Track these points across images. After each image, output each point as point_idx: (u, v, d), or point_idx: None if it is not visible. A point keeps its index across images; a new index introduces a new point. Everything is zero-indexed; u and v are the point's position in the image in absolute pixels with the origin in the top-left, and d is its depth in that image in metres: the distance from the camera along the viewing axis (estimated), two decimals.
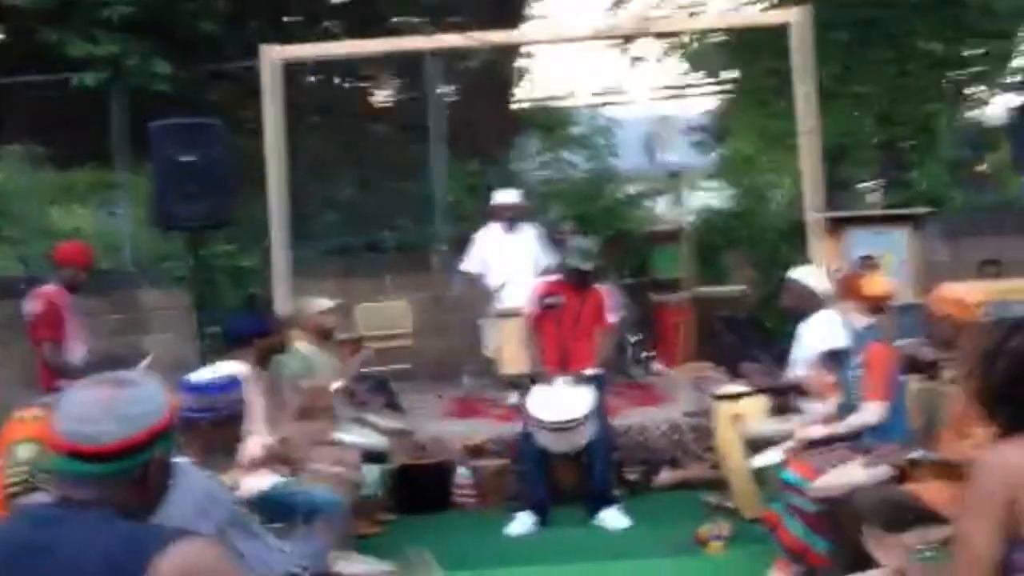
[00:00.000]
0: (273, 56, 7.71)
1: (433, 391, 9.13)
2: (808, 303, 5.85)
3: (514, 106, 13.90)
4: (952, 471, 3.88)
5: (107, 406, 1.91)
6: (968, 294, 3.99)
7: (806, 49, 7.49)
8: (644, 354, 9.48)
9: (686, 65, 15.96)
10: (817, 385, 5.44)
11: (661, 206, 10.40)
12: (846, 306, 4.89)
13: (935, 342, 4.22)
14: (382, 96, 14.37)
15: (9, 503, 4.01)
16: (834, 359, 5.25)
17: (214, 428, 3.56)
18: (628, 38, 12.23)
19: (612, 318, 6.66)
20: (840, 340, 5.69)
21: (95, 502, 1.90)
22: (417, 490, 6.76)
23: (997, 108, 12.38)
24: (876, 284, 4.80)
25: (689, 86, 15.15)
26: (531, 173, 11.83)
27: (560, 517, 6.40)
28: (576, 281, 6.54)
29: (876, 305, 4.81)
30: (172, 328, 9.97)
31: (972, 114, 12.92)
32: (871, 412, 4.64)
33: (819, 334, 5.74)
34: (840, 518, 4.13)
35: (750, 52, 10.97)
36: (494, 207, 8.72)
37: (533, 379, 6.42)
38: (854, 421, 4.71)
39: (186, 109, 8.80)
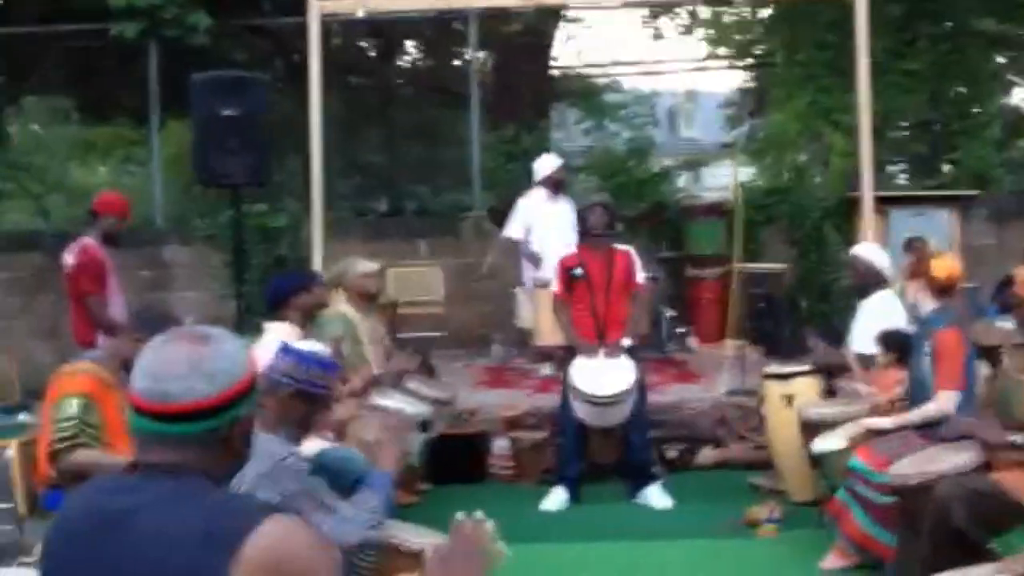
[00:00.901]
0: (320, 10, 7.50)
1: (462, 360, 9.02)
2: (871, 280, 5.70)
3: (552, 73, 13.68)
4: None
5: (192, 362, 1.76)
6: None
7: (865, 21, 7.24)
8: (679, 329, 9.34)
9: (721, 38, 15.82)
10: (876, 371, 5.28)
11: (700, 180, 10.19)
12: (915, 287, 4.69)
13: (1020, 325, 4.02)
14: (418, 59, 14.14)
15: (56, 458, 3.90)
16: (898, 342, 5.08)
17: (295, 399, 3.41)
18: (675, 5, 11.95)
19: (640, 278, 6.36)
20: (900, 320, 5.55)
21: (177, 466, 1.75)
22: (453, 461, 6.63)
23: None
24: (946, 266, 4.61)
25: (731, 59, 14.94)
26: (569, 142, 11.63)
27: (596, 493, 6.27)
28: (590, 234, 6.25)
29: (945, 288, 4.62)
30: (200, 286, 9.91)
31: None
32: (944, 401, 4.47)
33: (879, 313, 5.59)
34: (916, 509, 3.96)
35: (796, 24, 10.72)
36: (542, 174, 8.52)
37: (568, 351, 6.25)
38: (927, 411, 4.53)
39: (217, 65, 8.65)
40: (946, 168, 10.79)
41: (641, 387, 6.17)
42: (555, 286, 6.43)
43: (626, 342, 6.20)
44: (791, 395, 5.77)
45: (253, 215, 9.33)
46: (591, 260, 6.26)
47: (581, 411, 6.02)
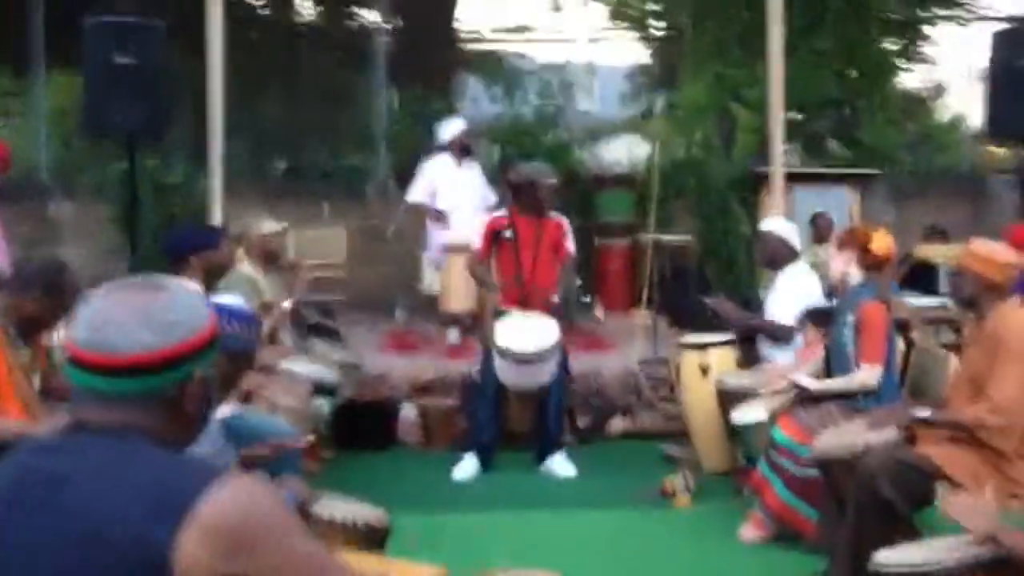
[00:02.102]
0: None
1: (364, 324, 8.80)
2: (783, 254, 5.68)
3: (458, 37, 13.44)
4: (964, 434, 3.72)
5: (139, 312, 1.56)
6: (999, 253, 3.79)
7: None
8: (585, 298, 9.29)
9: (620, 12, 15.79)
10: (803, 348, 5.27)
11: (611, 151, 10.10)
12: (843, 259, 4.65)
13: (957, 298, 4.02)
14: (321, 16, 13.72)
15: None
16: (824, 317, 5.07)
17: (226, 359, 3.16)
18: None
19: (571, 247, 6.30)
20: (818, 295, 5.56)
21: (120, 427, 1.54)
22: (360, 427, 6.43)
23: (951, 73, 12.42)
24: (885, 242, 4.59)
25: (636, 31, 14.91)
26: (473, 107, 11.46)
27: (509, 461, 6.14)
28: (535, 204, 6.12)
29: (879, 263, 4.61)
30: (87, 243, 9.44)
31: (925, 77, 12.93)
32: (868, 374, 4.45)
33: (795, 287, 5.58)
34: (840, 483, 3.93)
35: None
36: (447, 137, 8.33)
37: (475, 318, 6.12)
38: (851, 381, 4.52)
39: (104, 12, 8.18)
40: (846, 147, 10.95)
41: (563, 352, 6.08)
42: (477, 244, 6.27)
43: (555, 299, 6.13)
44: (707, 365, 5.73)
45: (145, 169, 8.90)
46: (522, 224, 6.15)
47: (503, 372, 5.88)
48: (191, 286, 1.66)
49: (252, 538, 1.47)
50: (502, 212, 6.40)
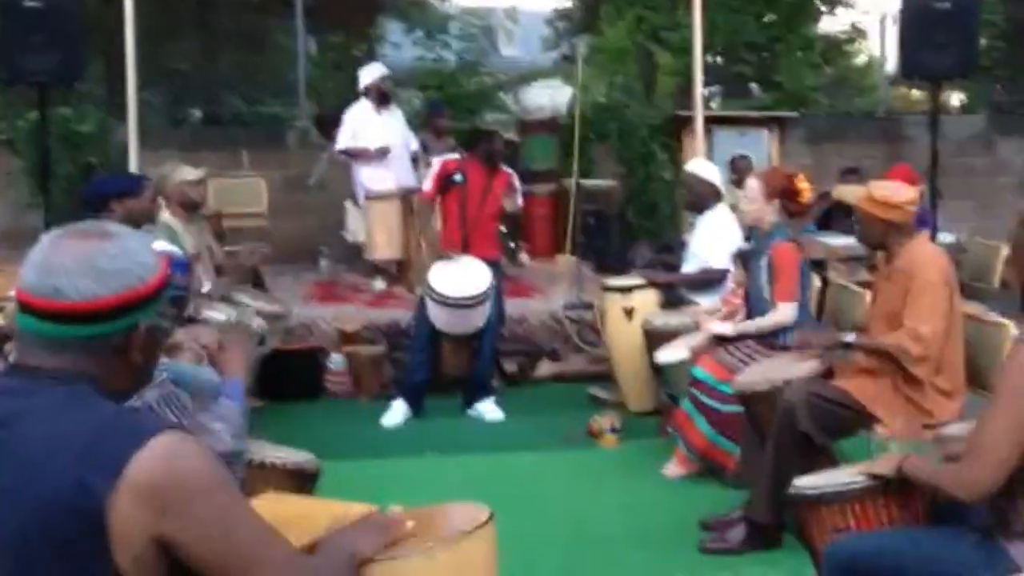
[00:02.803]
0: None
1: (289, 274, 8.72)
2: (707, 196, 5.76)
3: None
4: (882, 364, 3.85)
5: (85, 258, 1.55)
6: (897, 194, 3.90)
7: None
8: (510, 244, 9.31)
9: None
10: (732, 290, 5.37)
11: (533, 96, 10.11)
12: (765, 205, 4.71)
13: (862, 240, 4.13)
14: None
15: None
16: (740, 257, 5.17)
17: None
18: None
19: (519, 201, 6.53)
20: (738, 237, 5.66)
21: (64, 372, 1.54)
22: (287, 376, 6.41)
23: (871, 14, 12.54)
24: (806, 190, 4.68)
25: None
26: (396, 54, 11.33)
27: (439, 407, 6.18)
28: (489, 157, 6.31)
29: (798, 210, 4.71)
30: None
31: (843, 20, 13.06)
32: (783, 312, 4.56)
33: (718, 228, 5.67)
34: (761, 417, 4.04)
35: None
36: (366, 83, 8.23)
37: (405, 265, 6.17)
38: (766, 321, 4.62)
39: None
40: (761, 89, 11.09)
41: (498, 296, 6.15)
42: (427, 186, 6.42)
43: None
44: (631, 307, 5.80)
45: (57, 119, 8.66)
46: (473, 171, 6.28)
47: (437, 317, 5.91)
48: (139, 233, 1.64)
49: (182, 497, 1.47)
50: (455, 156, 6.56)
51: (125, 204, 4.97)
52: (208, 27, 12.19)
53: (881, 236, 3.94)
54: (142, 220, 5.18)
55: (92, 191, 5.14)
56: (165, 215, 5.70)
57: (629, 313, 5.81)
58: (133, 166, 7.03)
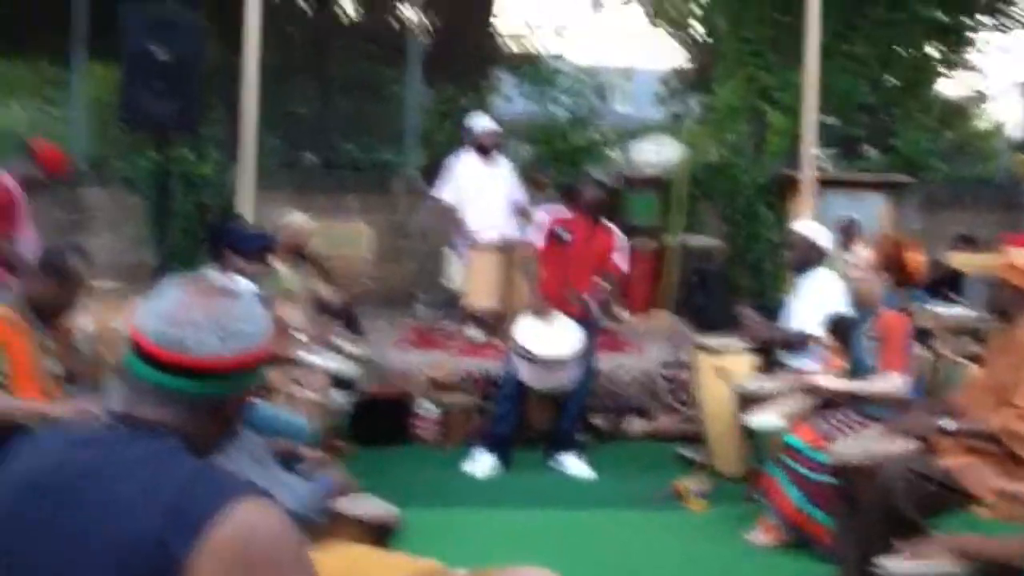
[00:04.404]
0: None
1: (385, 318, 8.82)
2: (811, 257, 5.64)
3: (493, 35, 13.44)
4: (986, 445, 3.68)
5: (214, 316, 1.57)
6: None
7: (818, 2, 7.18)
8: (610, 299, 9.25)
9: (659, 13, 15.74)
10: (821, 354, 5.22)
11: (641, 152, 10.07)
12: (874, 274, 4.59)
13: (992, 308, 3.95)
14: (355, 10, 13.76)
15: None
16: (844, 327, 5.01)
17: None
18: None
19: (622, 263, 6.48)
20: (842, 302, 5.50)
21: (163, 426, 1.55)
22: (376, 421, 6.45)
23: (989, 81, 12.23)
24: (917, 261, 4.55)
25: (672, 34, 14.85)
26: (506, 106, 11.45)
27: (526, 459, 6.14)
28: (593, 208, 6.29)
29: (906, 279, 4.57)
30: (117, 231, 9.55)
31: (966, 84, 12.73)
32: (892, 382, 4.41)
33: (819, 291, 5.54)
34: (856, 491, 3.89)
35: (743, 1, 10.65)
36: (473, 133, 8.32)
37: (502, 316, 6.17)
38: (874, 386, 4.47)
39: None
40: (877, 153, 10.84)
41: (589, 357, 6.12)
42: (538, 240, 6.43)
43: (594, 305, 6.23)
44: (724, 368, 5.70)
45: (177, 159, 8.98)
46: (578, 228, 6.29)
47: (523, 371, 5.90)
48: (256, 296, 1.67)
49: (259, 566, 1.47)
50: (564, 212, 6.59)
51: (250, 266, 5.08)
52: (325, 74, 12.53)
53: (1010, 304, 3.78)
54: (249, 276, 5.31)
55: (224, 234, 5.24)
56: (275, 261, 5.85)
57: (722, 374, 5.70)
58: (246, 209, 7.23)
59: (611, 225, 6.48)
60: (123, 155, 9.72)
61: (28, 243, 5.86)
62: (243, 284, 3.81)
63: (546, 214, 6.57)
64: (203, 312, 1.57)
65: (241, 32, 7.21)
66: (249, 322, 1.61)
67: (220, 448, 1.69)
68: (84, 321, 4.67)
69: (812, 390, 4.66)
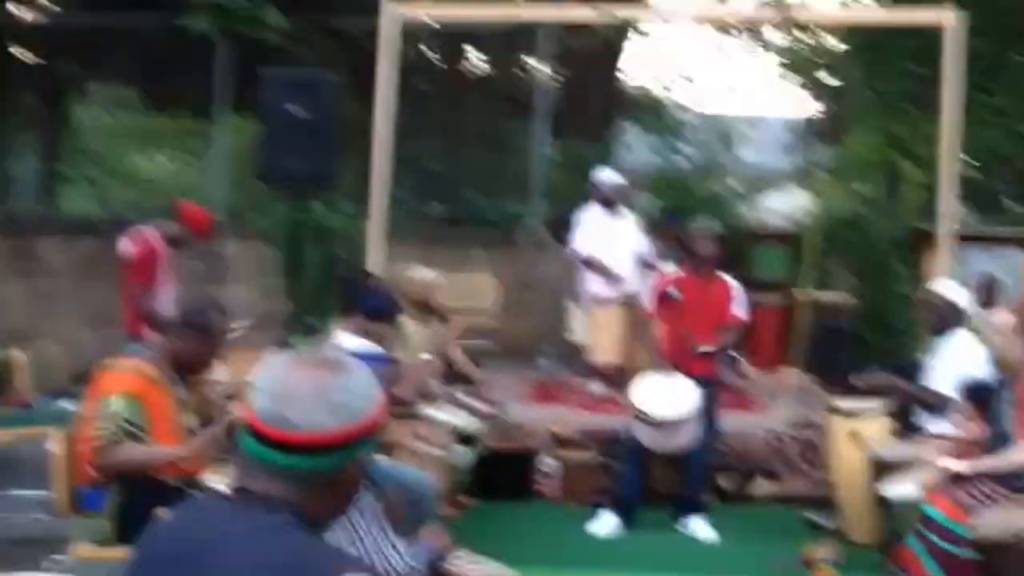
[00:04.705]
0: (394, 13, 7.40)
1: (508, 371, 8.83)
2: (949, 319, 5.43)
3: (620, 87, 13.49)
4: None
5: (318, 390, 1.59)
6: None
7: (959, 53, 6.99)
8: (733, 355, 9.09)
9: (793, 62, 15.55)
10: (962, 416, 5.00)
11: (770, 204, 9.95)
12: (1013, 338, 4.39)
13: None
14: (485, 66, 14.02)
15: (98, 454, 3.78)
16: (981, 393, 4.80)
17: None
18: (761, 26, 11.68)
19: (741, 313, 6.36)
20: (981, 366, 5.27)
21: (277, 500, 1.58)
22: (498, 476, 6.44)
23: None
24: None
25: (803, 84, 14.66)
26: (633, 158, 11.46)
27: (649, 520, 6.04)
28: (704, 261, 6.24)
29: None
30: (251, 281, 9.83)
31: None
32: None
33: (960, 354, 5.32)
34: (1003, 567, 3.70)
35: (880, 52, 10.41)
36: (600, 187, 8.31)
37: (624, 370, 6.14)
38: (1007, 460, 4.26)
39: (283, 62, 8.55)
40: (1019, 206, 10.44)
41: (711, 414, 6.03)
42: (651, 305, 6.44)
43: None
44: (858, 432, 5.51)
45: (309, 212, 9.24)
46: (689, 285, 6.25)
47: (641, 432, 5.84)
48: (364, 368, 1.69)
49: None
50: (673, 271, 6.54)
51: (378, 327, 5.15)
52: (454, 127, 12.79)
53: None
54: (374, 337, 5.38)
55: (368, 302, 5.31)
56: (402, 316, 5.92)
57: (855, 438, 5.51)
58: (375, 260, 7.38)
59: (725, 276, 6.38)
60: (259, 207, 10.05)
61: (167, 296, 6.11)
62: (367, 346, 3.85)
63: (659, 273, 6.55)
64: (308, 387, 1.58)
65: (373, 88, 7.42)
66: (356, 393, 1.61)
67: (336, 517, 1.70)
68: (220, 373, 4.81)
69: (944, 473, 4.45)
